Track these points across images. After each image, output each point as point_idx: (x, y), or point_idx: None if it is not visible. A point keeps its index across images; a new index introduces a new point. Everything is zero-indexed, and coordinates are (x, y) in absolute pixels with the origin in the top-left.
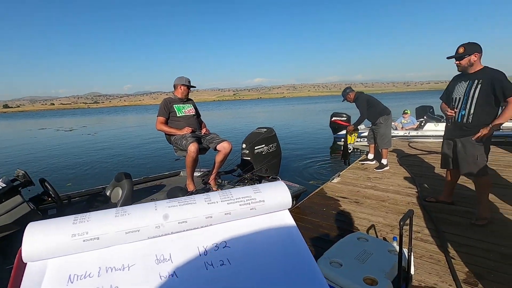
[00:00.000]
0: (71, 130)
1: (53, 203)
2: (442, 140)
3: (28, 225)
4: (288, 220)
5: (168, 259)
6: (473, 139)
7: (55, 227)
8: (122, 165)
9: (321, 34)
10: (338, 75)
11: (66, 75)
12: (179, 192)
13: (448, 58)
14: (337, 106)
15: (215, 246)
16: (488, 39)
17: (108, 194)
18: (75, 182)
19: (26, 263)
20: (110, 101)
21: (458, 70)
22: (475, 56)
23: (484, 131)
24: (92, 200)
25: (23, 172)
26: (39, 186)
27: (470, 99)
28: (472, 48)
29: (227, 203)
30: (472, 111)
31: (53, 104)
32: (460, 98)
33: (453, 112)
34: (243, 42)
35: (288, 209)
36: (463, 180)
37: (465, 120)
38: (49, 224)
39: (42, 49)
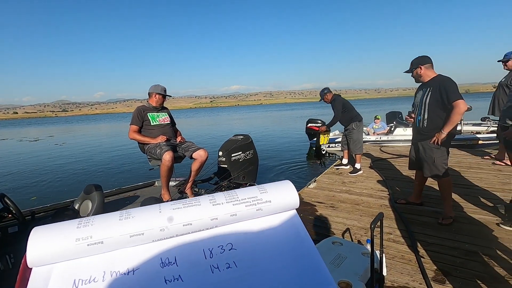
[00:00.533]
0: (36, 140)
1: (14, 219)
2: (410, 144)
3: (33, 230)
4: (296, 220)
5: (173, 263)
6: (430, 143)
7: (59, 232)
8: (93, 177)
9: (296, 42)
10: (313, 82)
11: (31, 82)
12: (154, 202)
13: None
14: (313, 113)
15: (221, 249)
16: (455, 46)
17: (76, 208)
18: (41, 196)
19: (31, 268)
20: (80, 109)
21: (415, 82)
22: (420, 69)
23: (438, 136)
24: (59, 215)
25: None
26: None
27: (423, 105)
28: (417, 62)
29: (233, 204)
30: (426, 116)
31: (16, 113)
32: (417, 104)
33: (411, 118)
34: (220, 49)
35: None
36: (430, 182)
37: (421, 124)
38: (53, 228)
39: (4, 53)
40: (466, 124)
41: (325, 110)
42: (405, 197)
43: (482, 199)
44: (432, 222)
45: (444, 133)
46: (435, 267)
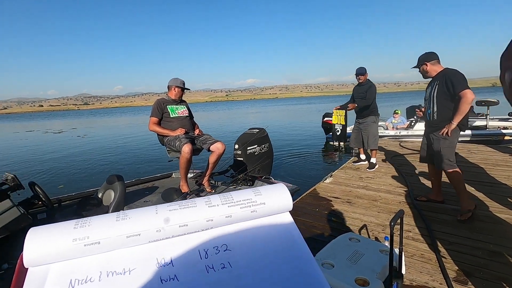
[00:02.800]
0: (60, 132)
1: (43, 207)
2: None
3: (30, 230)
4: (289, 222)
5: (169, 263)
6: (439, 134)
7: (56, 232)
8: (114, 167)
9: (312, 34)
10: (330, 75)
11: (55, 76)
12: (174, 193)
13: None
14: (329, 106)
15: (216, 249)
16: (478, 37)
17: (100, 197)
18: (67, 184)
19: (27, 268)
20: (100, 103)
21: (423, 77)
22: (426, 65)
23: (448, 126)
24: (84, 204)
25: (12, 175)
26: (28, 190)
27: (432, 98)
28: (423, 59)
29: (228, 206)
30: (435, 109)
31: (42, 106)
32: (427, 99)
33: (420, 112)
34: (236, 43)
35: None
36: None
37: (431, 117)
38: (51, 229)
39: (30, 50)
40: (492, 119)
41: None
42: (425, 193)
43: (508, 199)
44: (453, 221)
45: (454, 124)
46: (457, 267)
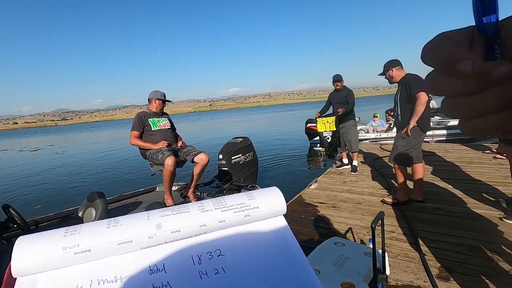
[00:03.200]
0: (36, 150)
1: (19, 230)
2: None
3: (18, 239)
4: (283, 226)
5: (162, 269)
6: (402, 133)
7: (45, 241)
8: (95, 184)
9: (292, 43)
10: (311, 82)
11: (30, 92)
12: (159, 207)
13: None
14: (312, 113)
15: (209, 255)
16: None
17: (80, 215)
18: (44, 205)
19: (15, 278)
20: (79, 117)
21: (389, 83)
22: (391, 71)
23: (407, 126)
24: (63, 224)
25: None
26: (2, 213)
27: (397, 102)
28: (388, 65)
29: (221, 211)
30: (399, 111)
31: (16, 123)
32: (394, 103)
33: (390, 116)
34: (218, 52)
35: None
36: (431, 178)
37: (397, 119)
38: (40, 237)
39: (1, 64)
40: None
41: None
42: (407, 194)
43: (484, 194)
44: (433, 219)
45: (411, 124)
46: (439, 264)
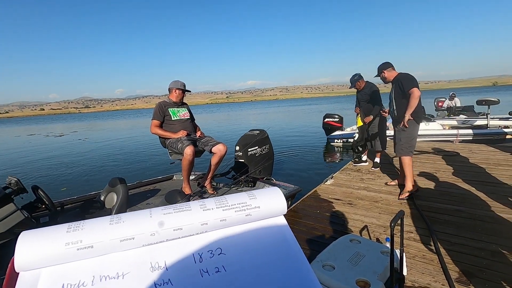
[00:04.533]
0: (61, 136)
1: (46, 210)
2: (433, 140)
3: (21, 234)
4: (283, 225)
5: (163, 267)
6: (400, 126)
7: (48, 236)
8: (115, 170)
9: (312, 35)
10: (330, 76)
11: (56, 80)
12: (178, 195)
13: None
14: (330, 107)
15: (210, 253)
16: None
17: (102, 199)
18: (69, 187)
19: (18, 273)
20: (101, 106)
21: (384, 83)
22: (384, 73)
23: (403, 120)
24: (86, 207)
25: (15, 179)
26: (31, 193)
27: (392, 99)
28: (381, 68)
29: (223, 210)
30: (395, 107)
31: (43, 110)
32: (389, 100)
33: (384, 113)
34: (236, 44)
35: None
36: (453, 179)
37: (393, 114)
38: (43, 232)
39: (32, 54)
40: (493, 118)
41: (343, 104)
42: (426, 196)
43: (510, 198)
44: (454, 221)
45: (406, 116)
46: (459, 268)
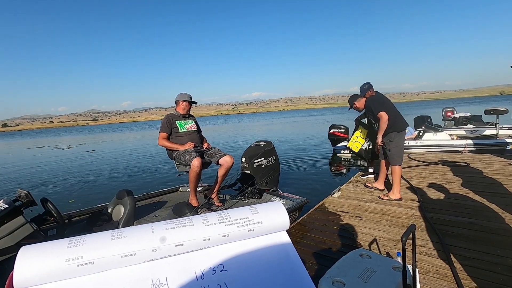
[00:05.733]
0: (69, 148)
1: (54, 223)
2: (441, 150)
3: (21, 249)
4: (286, 241)
5: (165, 283)
6: (379, 144)
7: (49, 252)
8: (122, 182)
9: (316, 46)
10: (335, 87)
11: (66, 93)
12: (186, 207)
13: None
14: (336, 118)
15: (213, 270)
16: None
17: (109, 212)
18: (77, 199)
19: None
20: (109, 118)
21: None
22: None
23: (376, 141)
24: (94, 219)
25: (25, 192)
26: (40, 206)
27: (372, 121)
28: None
29: (225, 225)
30: (377, 127)
31: (52, 122)
32: (372, 123)
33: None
34: (241, 56)
35: (286, 230)
36: (464, 191)
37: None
38: (43, 248)
39: (42, 68)
40: (502, 128)
41: (348, 115)
42: (437, 208)
43: None
44: (468, 235)
45: (379, 137)
46: (475, 284)
